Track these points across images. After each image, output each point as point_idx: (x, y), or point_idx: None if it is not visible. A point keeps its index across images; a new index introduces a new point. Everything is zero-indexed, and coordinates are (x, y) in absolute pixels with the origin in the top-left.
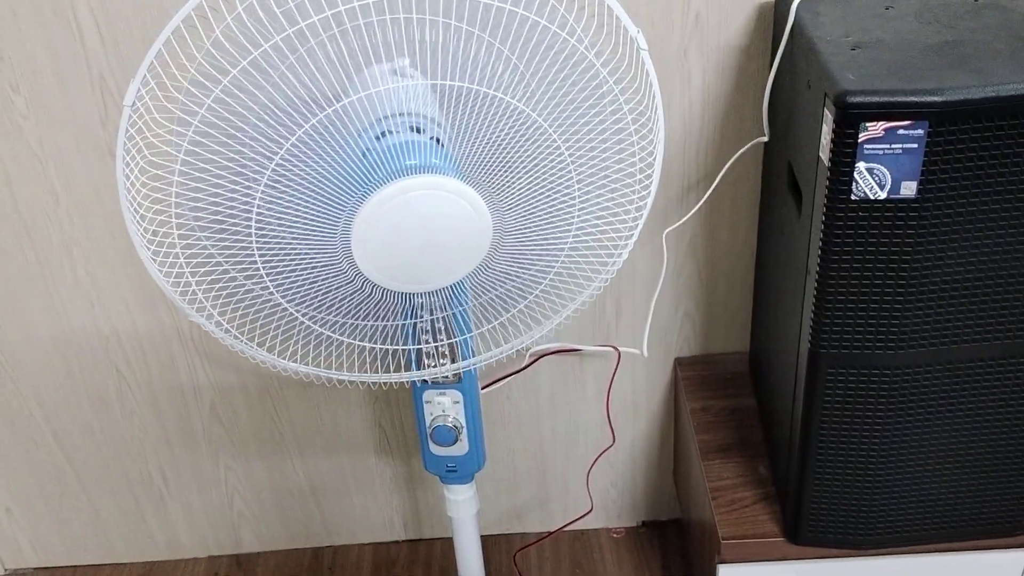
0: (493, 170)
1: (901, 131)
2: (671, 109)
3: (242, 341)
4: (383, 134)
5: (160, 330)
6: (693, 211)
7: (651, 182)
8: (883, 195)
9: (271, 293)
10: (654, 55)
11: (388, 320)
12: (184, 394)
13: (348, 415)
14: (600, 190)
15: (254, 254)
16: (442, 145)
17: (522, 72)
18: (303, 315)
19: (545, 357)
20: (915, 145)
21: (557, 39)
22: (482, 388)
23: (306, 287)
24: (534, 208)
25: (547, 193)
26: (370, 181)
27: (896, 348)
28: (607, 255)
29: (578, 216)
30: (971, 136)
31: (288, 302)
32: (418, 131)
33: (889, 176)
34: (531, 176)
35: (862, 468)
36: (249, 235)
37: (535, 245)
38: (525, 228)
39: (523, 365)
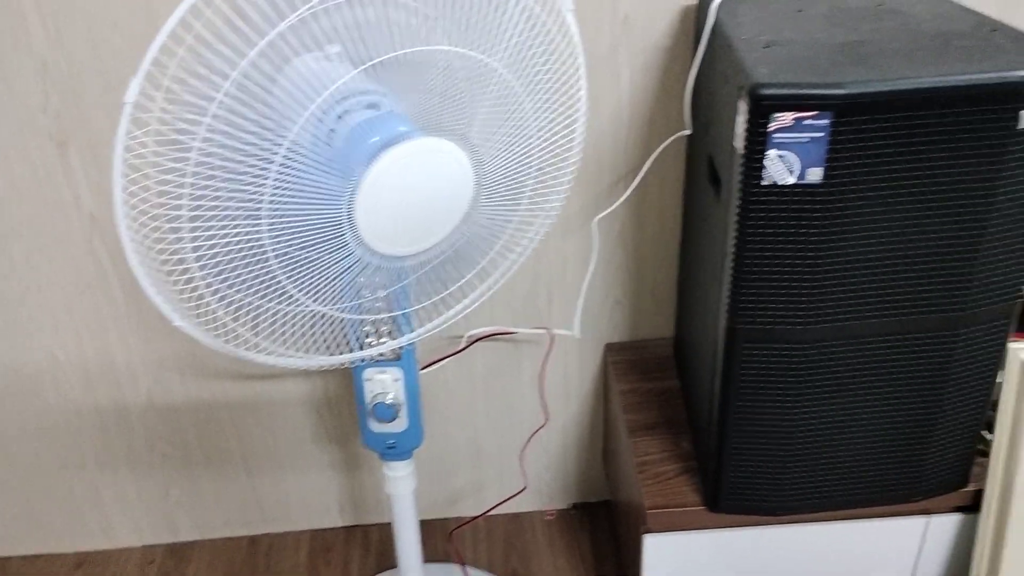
0: (454, 118)
1: (808, 121)
2: (602, 106)
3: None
4: (343, 115)
5: (96, 314)
6: (621, 200)
7: (575, 141)
8: (792, 180)
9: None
10: (586, 54)
11: (335, 303)
12: (119, 379)
13: (285, 401)
14: (551, 125)
15: (264, 244)
16: (396, 114)
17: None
18: (303, 298)
19: (481, 341)
20: (821, 134)
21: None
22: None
23: (313, 272)
24: (501, 149)
25: (509, 132)
26: (351, 165)
27: (805, 324)
28: (545, 216)
29: (537, 159)
30: (870, 126)
31: (300, 292)
32: (374, 107)
33: (798, 163)
34: (493, 122)
35: (775, 439)
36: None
37: (502, 197)
38: (496, 171)
39: (459, 348)
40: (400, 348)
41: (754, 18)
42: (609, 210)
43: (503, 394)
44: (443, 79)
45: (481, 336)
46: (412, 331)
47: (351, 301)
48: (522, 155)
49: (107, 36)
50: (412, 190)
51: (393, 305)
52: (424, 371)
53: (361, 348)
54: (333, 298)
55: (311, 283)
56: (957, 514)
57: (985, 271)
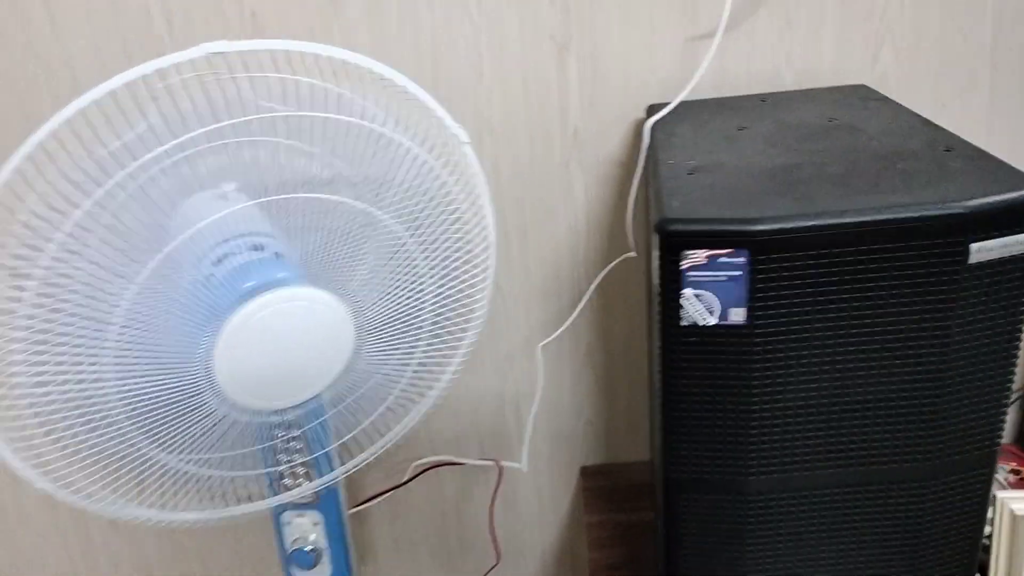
0: (339, 268)
1: (723, 259)
2: (558, 220)
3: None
4: (222, 258)
5: None
6: (566, 325)
7: (487, 266)
8: (713, 321)
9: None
10: (536, 169)
11: (244, 447)
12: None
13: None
14: (447, 279)
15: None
16: (283, 257)
17: (343, 168)
18: (166, 457)
19: (428, 471)
20: (739, 272)
21: (391, 144)
22: (357, 505)
23: (169, 426)
24: (388, 300)
25: (397, 283)
26: (219, 309)
27: (746, 474)
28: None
29: (431, 303)
30: (795, 263)
31: (153, 446)
32: (259, 248)
33: (718, 302)
34: (379, 271)
35: None
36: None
37: (393, 339)
38: (382, 322)
39: (403, 480)
40: (319, 490)
41: (690, 139)
42: (555, 335)
43: (456, 527)
44: (329, 226)
45: (427, 467)
46: (332, 470)
47: (241, 449)
48: (413, 306)
49: None
50: (282, 341)
51: (312, 445)
52: (357, 509)
53: (276, 492)
54: (200, 449)
55: (168, 438)
56: None
57: (953, 416)
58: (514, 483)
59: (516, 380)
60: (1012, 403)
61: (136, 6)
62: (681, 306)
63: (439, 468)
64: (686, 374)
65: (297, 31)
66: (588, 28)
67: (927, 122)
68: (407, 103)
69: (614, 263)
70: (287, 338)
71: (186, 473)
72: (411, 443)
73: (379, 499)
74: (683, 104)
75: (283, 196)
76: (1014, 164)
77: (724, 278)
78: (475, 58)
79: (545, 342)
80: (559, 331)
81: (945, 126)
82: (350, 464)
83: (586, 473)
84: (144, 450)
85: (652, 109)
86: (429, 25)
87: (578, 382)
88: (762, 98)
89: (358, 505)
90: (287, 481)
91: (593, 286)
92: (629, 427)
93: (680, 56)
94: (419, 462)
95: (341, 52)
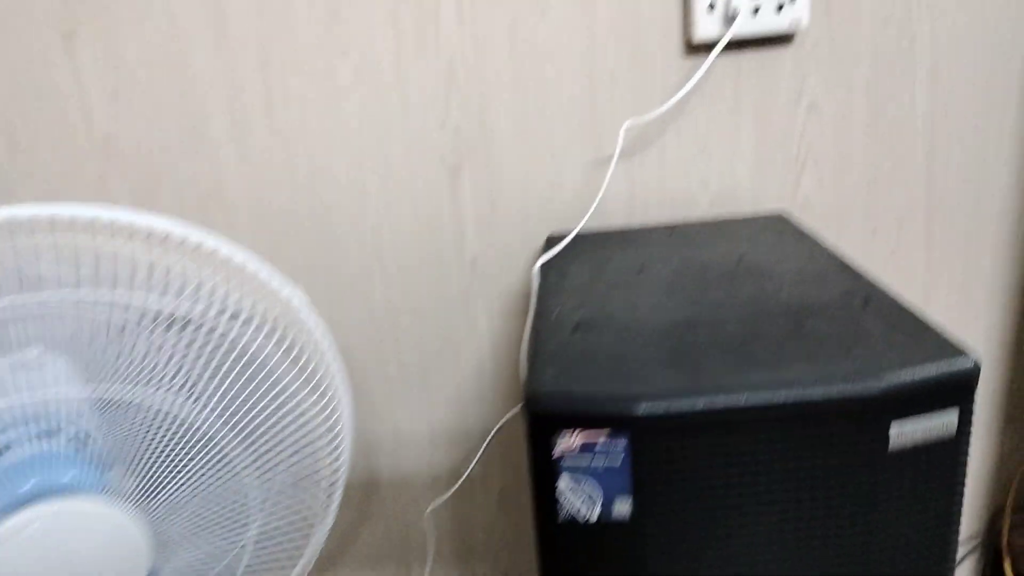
0: (147, 475)
1: (602, 444)
2: (462, 357)
3: None
4: (3, 449)
5: None
6: (460, 482)
7: (338, 477)
8: (595, 515)
9: None
10: (433, 302)
11: None
12: None
13: None
14: (284, 488)
15: None
16: (85, 443)
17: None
18: None
19: None
20: (620, 458)
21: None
22: None
23: None
24: (203, 516)
25: (217, 499)
26: None
27: None
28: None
29: (259, 522)
30: (684, 448)
31: None
32: (52, 434)
33: (599, 493)
34: (196, 482)
35: None
36: None
37: (209, 557)
38: (195, 537)
39: None
40: None
41: (583, 280)
42: (442, 498)
43: None
44: (139, 421)
45: None
46: None
47: None
48: (234, 523)
49: None
50: (57, 560)
51: None
52: None
53: None
54: None
55: None
56: None
57: None
58: None
59: (407, 543)
60: (960, 562)
61: None
62: (558, 500)
63: None
64: (567, 574)
65: (159, 163)
66: (482, 149)
67: (844, 266)
68: (236, 272)
69: (508, 416)
70: (64, 558)
71: None
72: None
73: None
74: (586, 235)
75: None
76: (955, 298)
77: (604, 466)
78: (358, 181)
79: (433, 506)
80: (450, 492)
81: (879, 254)
82: None
83: None
84: None
85: (551, 241)
86: (303, 146)
87: (491, 531)
88: (670, 230)
89: None
90: None
91: (489, 437)
92: None
93: (585, 180)
94: None
95: (140, 218)
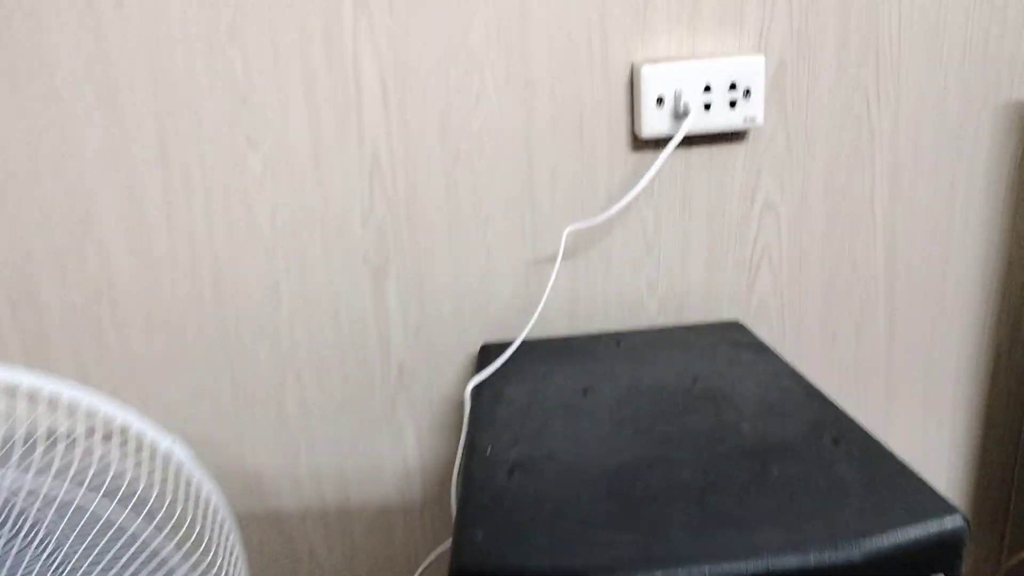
0: None
1: None
2: (386, 476)
3: None
4: None
5: None
6: None
7: None
8: None
9: None
10: (354, 412)
11: None
12: None
13: None
14: None
15: None
16: None
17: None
18: None
19: None
20: None
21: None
22: None
23: None
24: None
25: None
26: None
27: None
28: None
29: None
30: None
31: None
32: None
33: None
34: None
35: None
36: None
37: None
38: None
39: None
40: None
41: (521, 404)
42: None
43: None
44: None
45: None
46: None
47: None
48: None
49: None
50: None
51: None
52: None
53: None
54: None
55: None
56: None
57: None
58: None
59: None
60: None
61: None
62: None
63: None
64: None
65: (39, 266)
66: (410, 248)
67: (810, 390)
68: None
69: (435, 553)
70: None
71: None
72: None
73: None
74: (526, 342)
75: None
76: (918, 406)
77: None
78: (270, 284)
79: None
80: None
81: (839, 361)
82: None
83: None
84: None
85: (486, 351)
86: (207, 246)
87: None
88: (617, 339)
89: None
90: None
91: (419, 572)
92: None
93: (524, 282)
94: None
95: None
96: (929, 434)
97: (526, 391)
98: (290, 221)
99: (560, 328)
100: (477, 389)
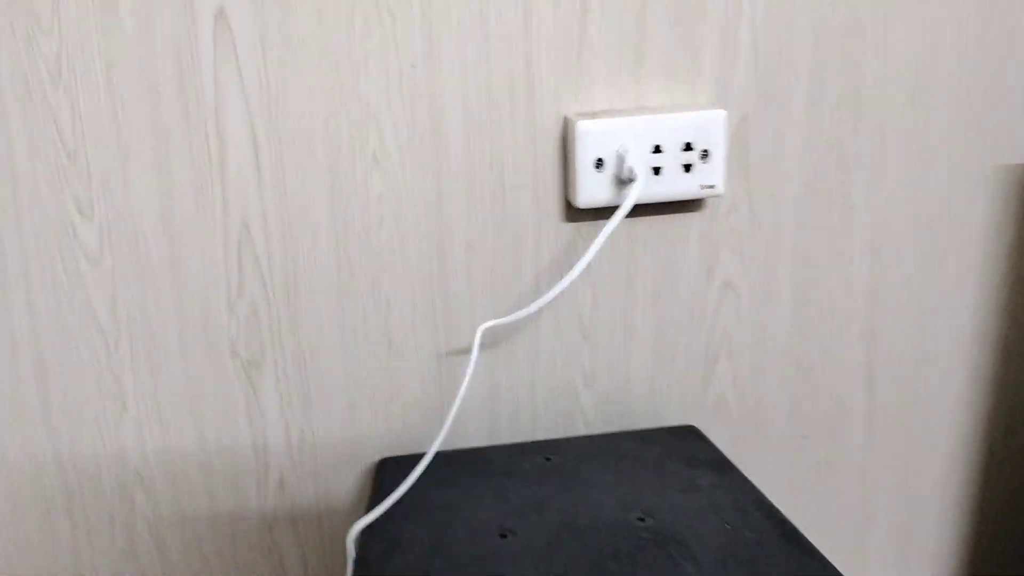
0: None
1: None
2: None
3: None
4: None
5: None
6: None
7: None
8: None
9: None
10: (224, 538)
11: None
12: None
13: None
14: None
15: None
16: None
17: None
18: None
19: None
20: None
21: None
22: None
23: None
24: None
25: None
26: None
27: None
28: None
29: None
30: None
31: None
32: None
33: None
34: None
35: None
36: None
37: None
38: None
39: None
40: None
41: (418, 557)
42: None
43: None
44: None
45: None
46: None
47: None
48: None
49: None
50: None
51: None
52: None
53: None
54: None
55: None
56: None
57: None
58: None
59: None
60: None
61: None
62: None
63: None
64: None
65: None
66: (289, 338)
67: (785, 529)
68: None
69: None
70: None
71: None
72: None
73: None
74: (437, 458)
75: None
76: (899, 516)
77: None
78: (108, 386)
79: None
80: None
81: (809, 465)
82: None
83: None
84: None
85: (385, 466)
86: (27, 341)
87: None
88: (547, 453)
89: None
90: None
91: None
92: None
93: (433, 379)
94: None
95: None
96: (908, 552)
97: (428, 535)
98: (132, 308)
99: (478, 436)
100: (366, 533)
